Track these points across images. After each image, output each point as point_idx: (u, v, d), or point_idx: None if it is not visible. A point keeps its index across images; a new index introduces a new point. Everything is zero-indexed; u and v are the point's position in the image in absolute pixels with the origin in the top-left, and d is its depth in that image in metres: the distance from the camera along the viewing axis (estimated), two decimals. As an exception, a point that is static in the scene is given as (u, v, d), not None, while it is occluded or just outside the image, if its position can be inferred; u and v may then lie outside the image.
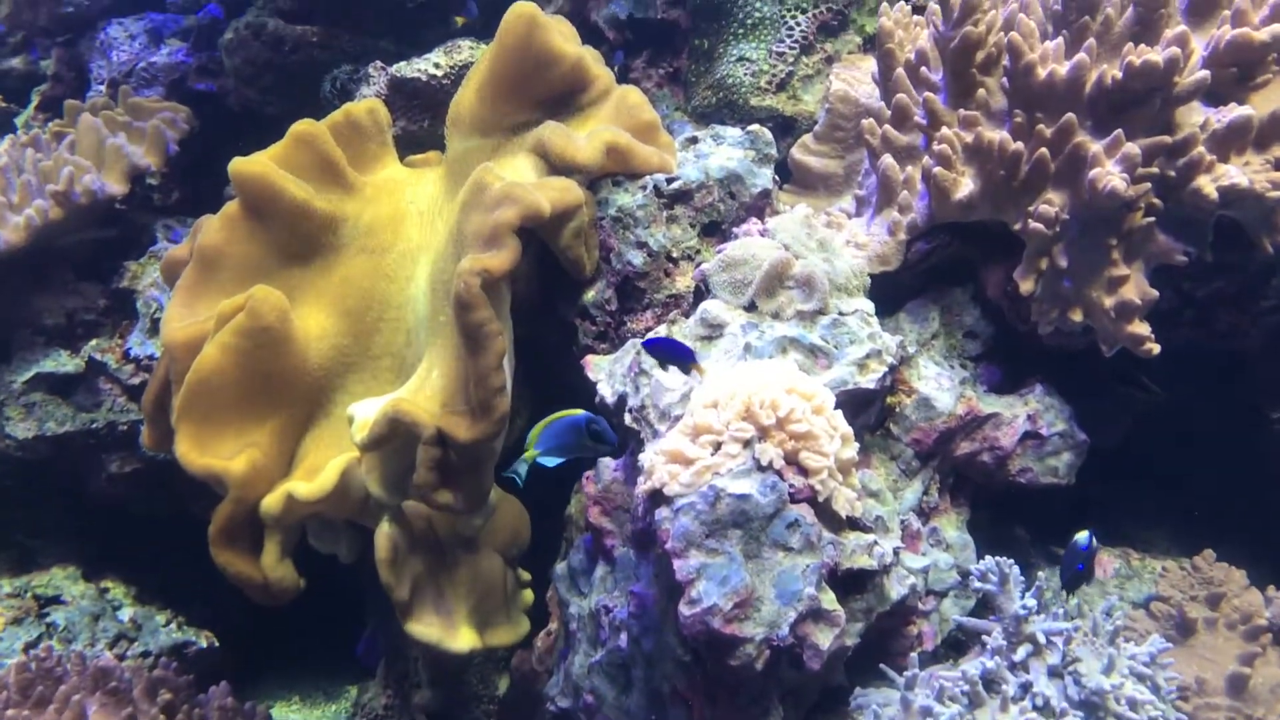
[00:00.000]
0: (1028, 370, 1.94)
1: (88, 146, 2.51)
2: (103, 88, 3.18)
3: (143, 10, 3.40)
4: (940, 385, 1.84)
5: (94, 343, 2.49)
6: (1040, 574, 1.65)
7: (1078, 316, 1.79)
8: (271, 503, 1.83)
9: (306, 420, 1.98)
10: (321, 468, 1.87)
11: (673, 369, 1.68)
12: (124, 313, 2.55)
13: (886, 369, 1.71)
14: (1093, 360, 1.85)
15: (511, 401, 1.82)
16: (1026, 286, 1.81)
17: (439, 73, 2.59)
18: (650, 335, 1.80)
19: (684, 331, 1.76)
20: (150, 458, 2.47)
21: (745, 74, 2.30)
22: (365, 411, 1.76)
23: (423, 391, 1.77)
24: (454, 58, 2.61)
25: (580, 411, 1.62)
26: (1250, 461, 2.13)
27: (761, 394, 1.52)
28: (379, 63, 2.73)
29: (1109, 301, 1.75)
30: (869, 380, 1.69)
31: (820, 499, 1.50)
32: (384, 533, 1.84)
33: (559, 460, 1.64)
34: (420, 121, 2.64)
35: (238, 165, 1.98)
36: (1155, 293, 1.73)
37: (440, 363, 1.79)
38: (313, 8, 3.00)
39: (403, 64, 2.64)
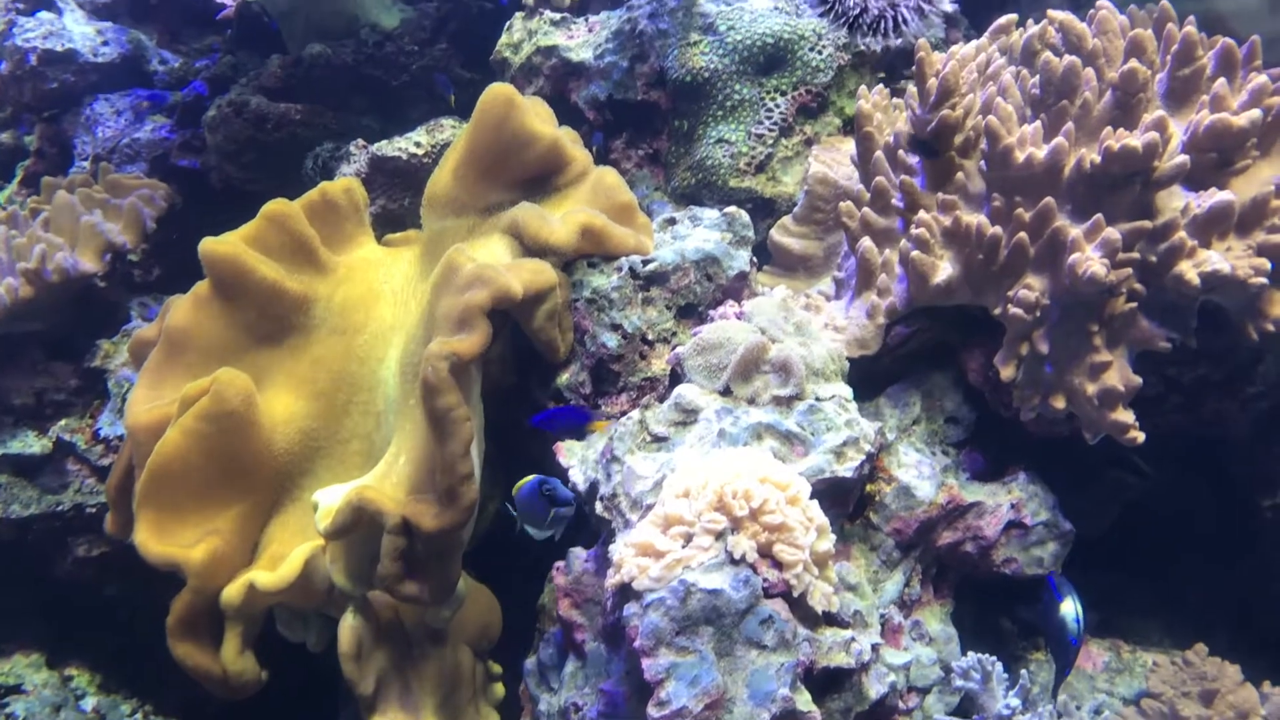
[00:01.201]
0: (1012, 456, 1.90)
1: (63, 224, 2.48)
2: (86, 163, 3.17)
3: (130, 86, 3.41)
4: (921, 473, 1.79)
5: (63, 423, 2.44)
6: (1025, 670, 1.59)
7: (1060, 403, 1.75)
8: (232, 593, 1.77)
9: (272, 506, 1.93)
10: (285, 556, 1.81)
11: (644, 455, 1.64)
12: (95, 392, 2.51)
13: (864, 457, 1.66)
14: (1078, 447, 1.81)
15: (483, 487, 1.77)
16: (1007, 372, 1.77)
17: (420, 151, 2.58)
18: (622, 416, 1.76)
19: (658, 416, 1.72)
20: (118, 541, 2.40)
21: (724, 155, 2.28)
22: (329, 499, 1.71)
23: (389, 478, 1.72)
24: (436, 136, 2.61)
25: (532, 477, 1.61)
26: (1243, 550, 2.08)
27: (735, 484, 1.48)
28: (361, 141, 2.73)
29: (1092, 388, 1.71)
30: (846, 469, 1.64)
31: (795, 594, 1.45)
32: (348, 625, 1.78)
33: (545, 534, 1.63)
34: (400, 200, 2.62)
35: (208, 245, 1.95)
36: (1139, 379, 1.69)
37: (408, 448, 1.74)
38: (297, 86, 3.01)
39: (384, 142, 2.63)
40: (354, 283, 2.09)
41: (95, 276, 2.48)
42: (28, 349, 2.47)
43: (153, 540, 1.77)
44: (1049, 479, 1.87)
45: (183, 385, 1.90)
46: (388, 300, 2.08)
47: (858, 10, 1.42)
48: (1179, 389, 1.85)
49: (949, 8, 1.44)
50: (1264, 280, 1.64)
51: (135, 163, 3.10)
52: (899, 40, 1.45)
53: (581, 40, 2.55)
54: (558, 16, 2.64)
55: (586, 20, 2.62)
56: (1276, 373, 1.86)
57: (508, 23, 2.74)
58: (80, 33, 3.40)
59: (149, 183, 2.70)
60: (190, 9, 3.77)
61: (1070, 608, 1.68)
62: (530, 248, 1.91)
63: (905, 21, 1.40)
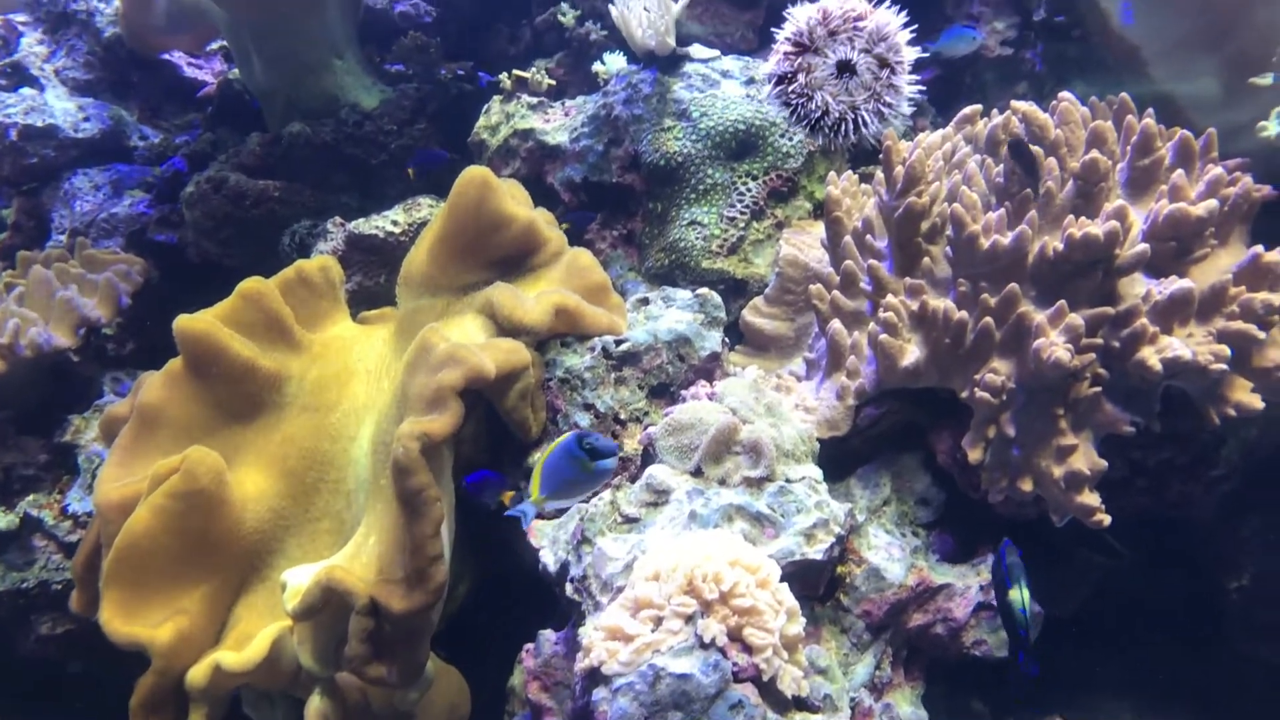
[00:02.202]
0: (981, 537, 1.91)
1: (38, 299, 2.49)
2: (63, 237, 3.18)
3: (110, 162, 3.43)
4: (891, 555, 1.80)
5: (31, 498, 2.42)
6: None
7: (1028, 486, 1.77)
8: (197, 674, 1.74)
9: (241, 585, 1.91)
10: (253, 636, 1.79)
11: (615, 536, 1.64)
12: (65, 468, 2.49)
13: (834, 539, 1.67)
14: (1047, 527, 1.82)
15: (453, 567, 1.77)
16: (975, 455, 1.79)
17: (397, 229, 2.61)
18: (592, 499, 1.76)
19: (629, 497, 1.73)
20: (84, 619, 2.37)
21: (697, 237, 2.32)
22: (298, 578, 1.70)
23: (359, 558, 1.71)
24: (412, 215, 2.64)
25: (567, 434, 1.49)
26: (1210, 632, 2.08)
27: (704, 567, 1.48)
28: (338, 218, 2.75)
29: (1058, 471, 1.73)
30: (816, 551, 1.65)
31: (765, 678, 1.44)
32: (315, 707, 1.75)
33: (568, 502, 1.52)
34: (377, 277, 2.64)
35: (182, 323, 1.96)
36: (1104, 463, 1.72)
37: (378, 528, 1.74)
38: (276, 163, 3.04)
39: (361, 220, 2.66)
40: (328, 360, 2.10)
41: (69, 351, 2.47)
42: (-2, 423, 2.46)
43: (118, 620, 1.75)
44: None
45: (154, 463, 1.89)
46: (361, 378, 2.09)
47: (819, 113, 1.46)
48: (1144, 472, 1.87)
49: (908, 110, 1.49)
50: (1224, 366, 1.67)
51: (112, 237, 3.11)
52: (857, 139, 1.50)
53: (558, 124, 2.60)
54: (534, 100, 2.69)
55: (563, 104, 2.67)
56: (1239, 456, 1.88)
57: (486, 105, 2.79)
58: (62, 108, 3.43)
59: (125, 258, 2.71)
60: (172, 86, 3.81)
61: (1017, 596, 1.60)
62: (504, 327, 1.93)
63: (865, 124, 1.44)
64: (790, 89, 1.47)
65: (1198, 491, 1.89)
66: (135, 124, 3.63)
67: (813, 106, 1.47)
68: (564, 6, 2.78)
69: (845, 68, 1.47)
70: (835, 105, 1.47)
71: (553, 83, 2.75)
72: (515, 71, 2.75)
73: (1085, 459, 1.74)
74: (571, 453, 1.48)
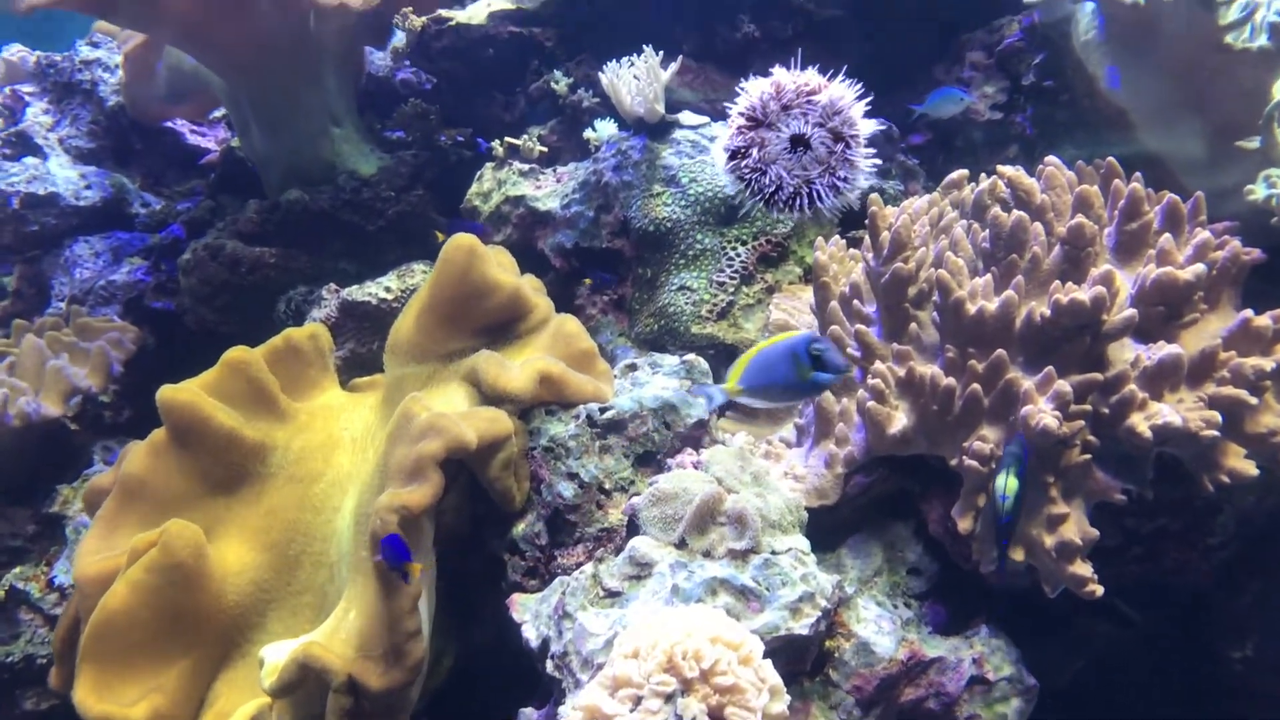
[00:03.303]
0: (975, 608, 1.87)
1: (29, 368, 2.49)
2: (63, 304, 3.20)
3: (111, 229, 3.46)
4: (880, 628, 1.76)
5: (17, 570, 2.40)
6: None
7: (1019, 556, 1.73)
8: (173, 754, 1.71)
9: (221, 660, 1.88)
10: (230, 714, 1.76)
11: (596, 611, 1.61)
12: (53, 538, 2.48)
13: (820, 613, 1.63)
14: (1042, 596, 1.78)
15: (435, 642, 1.74)
16: (965, 525, 1.75)
17: (390, 296, 2.61)
18: (569, 570, 1.73)
19: (611, 570, 1.70)
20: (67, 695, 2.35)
21: (686, 302, 2.31)
22: (276, 655, 1.67)
23: (338, 634, 1.68)
24: (406, 281, 2.64)
25: (798, 333, 1.43)
26: (1214, 702, 2.03)
27: (685, 643, 1.44)
28: (333, 285, 2.75)
29: (1049, 540, 1.70)
30: (802, 626, 1.61)
31: (746, 758, 1.40)
32: (293, 786, 1.72)
33: (765, 404, 1.46)
34: (370, 344, 2.64)
35: (166, 393, 1.95)
36: (1095, 532, 1.68)
37: (358, 603, 1.71)
38: (273, 230, 3.05)
39: (355, 287, 2.66)
40: (313, 430, 2.09)
41: (59, 421, 2.47)
42: (-15, 494, 2.45)
43: (92, 698, 1.72)
44: (1013, 629, 1.84)
45: (135, 535, 1.87)
46: (346, 448, 2.07)
47: (773, 188, 1.45)
48: (1139, 540, 1.84)
49: (866, 184, 1.48)
50: (1215, 433, 1.64)
51: (110, 305, 3.12)
52: (812, 214, 1.48)
53: (549, 190, 2.60)
54: (526, 167, 2.70)
55: (555, 171, 2.68)
56: (1236, 523, 1.85)
57: (479, 172, 2.80)
58: (64, 177, 3.47)
59: (118, 326, 2.71)
60: (175, 154, 3.86)
61: (1001, 482, 1.56)
62: (488, 395, 1.92)
63: (820, 198, 1.43)
64: (744, 164, 1.47)
65: (1194, 559, 1.85)
66: (137, 191, 3.66)
67: (766, 181, 1.46)
68: (557, 74, 2.81)
69: (799, 142, 1.46)
70: (789, 180, 1.46)
71: (544, 149, 2.76)
72: (507, 139, 2.77)
73: (1077, 527, 1.70)
74: (796, 353, 1.43)
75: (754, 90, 1.49)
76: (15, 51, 3.88)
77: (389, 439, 1.81)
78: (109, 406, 2.88)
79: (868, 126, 1.45)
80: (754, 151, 1.45)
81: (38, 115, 3.66)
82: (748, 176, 1.47)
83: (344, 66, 3.24)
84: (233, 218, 3.08)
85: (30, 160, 3.45)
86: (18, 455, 2.46)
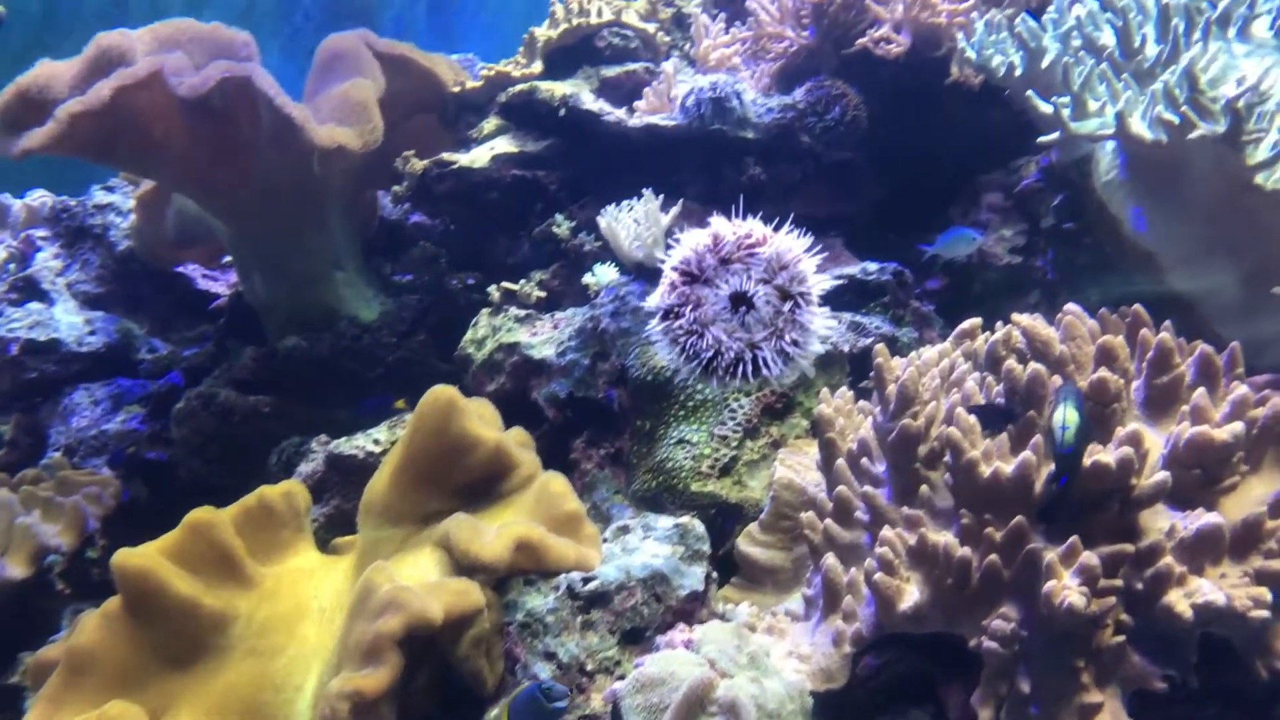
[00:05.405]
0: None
1: (-1, 525, 2.37)
2: (58, 453, 3.11)
3: (115, 375, 3.40)
4: (893, 836, 1.56)
5: (-30, 748, 2.25)
6: None
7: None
8: None
9: None
10: None
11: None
12: (15, 710, 2.31)
13: (820, 821, 1.44)
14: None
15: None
16: (986, 714, 1.56)
17: (378, 449, 2.49)
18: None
19: (589, 767, 1.52)
20: None
21: (686, 457, 2.16)
22: None
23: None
24: (395, 433, 2.52)
25: (526, 684, 1.57)
26: None
27: None
28: (324, 436, 2.64)
29: (1082, 735, 1.50)
30: (799, 836, 1.42)
31: None
32: None
33: None
34: (356, 500, 2.48)
35: (120, 558, 1.82)
36: (1134, 726, 1.49)
37: (306, 801, 1.54)
38: (271, 378, 2.97)
39: (343, 440, 2.54)
40: (280, 598, 1.94)
41: (26, 583, 2.34)
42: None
43: None
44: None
45: (82, 714, 1.72)
46: (314, 618, 1.92)
47: (711, 353, 1.30)
48: (1187, 733, 1.63)
49: (821, 349, 1.33)
50: (1266, 613, 1.46)
51: (101, 455, 3.03)
52: (757, 384, 1.34)
53: (545, 337, 2.50)
54: (523, 313, 2.60)
55: (553, 317, 2.58)
56: (1298, 714, 1.64)
57: (474, 319, 2.70)
58: (68, 322, 3.42)
59: (99, 479, 2.61)
60: (185, 299, 3.82)
61: (1060, 415, 1.49)
62: (460, 564, 1.76)
63: (767, 365, 1.29)
64: (676, 325, 1.32)
65: (1252, 755, 1.64)
66: (145, 337, 3.61)
67: (704, 345, 1.31)
68: (559, 218, 2.73)
69: (741, 301, 1.32)
70: (729, 344, 1.31)
71: (543, 295, 2.67)
72: (504, 284, 2.68)
73: (1112, 719, 1.51)
74: (535, 699, 1.52)
75: (689, 242, 1.35)
76: (37, 197, 3.90)
77: (349, 613, 1.67)
78: (95, 564, 2.76)
79: (822, 283, 1.30)
80: (688, 311, 1.31)
81: (47, 260, 3.64)
82: (682, 340, 1.32)
83: (350, 209, 3.20)
84: (229, 365, 3.01)
85: (34, 305, 3.41)
86: (-14, 618, 2.33)
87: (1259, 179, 1.74)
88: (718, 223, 1.36)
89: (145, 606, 1.82)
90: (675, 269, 1.34)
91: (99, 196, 3.75)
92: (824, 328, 1.34)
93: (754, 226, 1.33)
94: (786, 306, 1.32)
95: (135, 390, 3.31)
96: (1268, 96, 1.74)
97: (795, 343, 1.30)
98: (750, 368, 1.31)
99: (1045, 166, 2.45)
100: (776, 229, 1.33)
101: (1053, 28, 2.19)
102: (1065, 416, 1.50)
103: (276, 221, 2.94)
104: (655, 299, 1.34)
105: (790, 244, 1.30)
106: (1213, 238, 1.92)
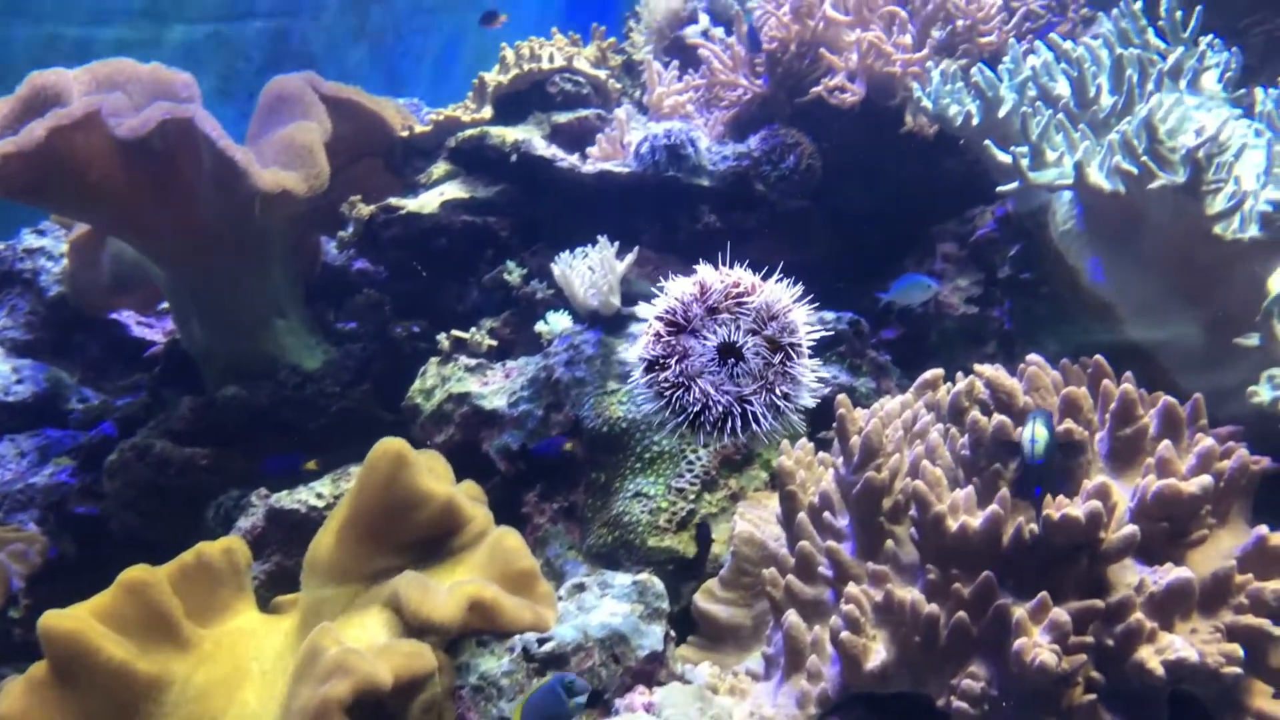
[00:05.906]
0: None
1: (-82, 585, 2.25)
2: (-19, 509, 2.97)
3: (43, 426, 3.27)
4: None
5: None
6: None
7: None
8: None
9: None
10: None
11: None
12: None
13: None
14: None
15: None
16: (957, 777, 1.52)
17: (321, 503, 2.40)
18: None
19: (546, 839, 1.44)
20: None
21: (642, 511, 2.10)
22: None
23: None
24: (340, 486, 2.44)
25: (550, 676, 1.57)
26: None
27: None
28: (263, 490, 2.55)
29: (1055, 798, 1.46)
30: None
31: None
32: None
33: None
34: (298, 556, 2.39)
35: (48, 621, 1.72)
36: (1108, 788, 1.45)
37: None
38: (207, 429, 2.87)
39: (284, 493, 2.45)
40: (218, 661, 1.84)
41: (-55, 645, 2.21)
42: None
43: None
44: None
45: (2, 790, 1.61)
46: (255, 681, 1.82)
47: (698, 407, 1.26)
48: (1159, 792, 1.59)
49: (810, 402, 1.30)
50: (1237, 670, 1.43)
51: (27, 510, 2.90)
52: (747, 439, 1.30)
53: (496, 387, 2.44)
54: (473, 362, 2.54)
55: (504, 366, 2.52)
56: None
57: (422, 368, 2.64)
58: (-6, 371, 3.29)
59: (24, 536, 2.49)
60: (119, 346, 3.69)
61: (1029, 431, 1.54)
62: (410, 625, 1.68)
63: (757, 420, 1.24)
64: (662, 377, 1.27)
65: (1226, 814, 1.61)
66: (76, 386, 3.48)
67: (690, 399, 1.26)
68: (510, 264, 2.68)
69: (729, 352, 1.28)
70: (718, 397, 1.27)
71: (493, 343, 2.61)
72: (454, 332, 2.61)
73: (1086, 781, 1.47)
74: (555, 694, 1.52)
75: (674, 290, 1.31)
76: (-38, 243, 3.77)
77: (293, 677, 1.58)
78: (19, 624, 2.63)
79: (812, 333, 1.27)
80: (673, 363, 1.26)
81: (-29, 307, 3.51)
82: (667, 393, 1.27)
83: (292, 256, 3.13)
84: (165, 415, 2.90)
85: (-44, 355, 3.28)
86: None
87: (1218, 229, 1.74)
88: (704, 270, 1.32)
89: (74, 672, 1.72)
90: (660, 318, 1.29)
91: (29, 240, 3.63)
92: (814, 380, 1.29)
93: (742, 275, 1.29)
94: (776, 358, 1.27)
95: (65, 441, 3.18)
96: (1226, 147, 1.75)
97: (786, 396, 1.26)
98: (740, 422, 1.26)
99: (1001, 216, 2.45)
100: (766, 278, 1.29)
101: (1009, 77, 2.20)
102: (1035, 432, 1.53)
103: (217, 267, 2.85)
104: (638, 350, 1.29)
105: (780, 293, 1.26)
106: (1171, 288, 1.92)
